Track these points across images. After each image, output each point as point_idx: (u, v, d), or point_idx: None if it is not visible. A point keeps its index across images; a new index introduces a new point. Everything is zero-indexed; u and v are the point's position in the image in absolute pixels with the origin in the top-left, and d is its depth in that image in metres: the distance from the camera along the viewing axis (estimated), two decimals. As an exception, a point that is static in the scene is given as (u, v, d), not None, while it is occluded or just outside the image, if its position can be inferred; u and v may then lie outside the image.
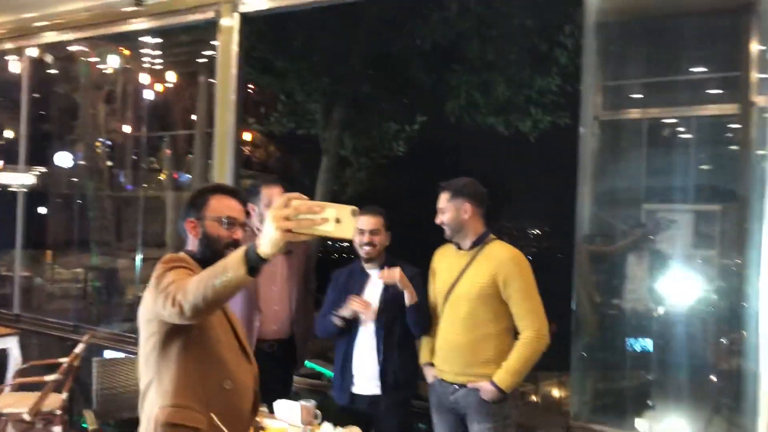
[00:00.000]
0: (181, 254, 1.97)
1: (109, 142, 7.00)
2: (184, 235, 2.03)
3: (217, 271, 1.59)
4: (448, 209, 2.89)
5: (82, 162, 6.78)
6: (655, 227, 3.74)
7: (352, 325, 3.05)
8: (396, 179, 9.30)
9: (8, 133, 6.23)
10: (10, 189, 6.40)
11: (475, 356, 2.82)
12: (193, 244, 2.01)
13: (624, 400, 3.54)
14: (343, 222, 1.49)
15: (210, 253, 1.88)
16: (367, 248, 3.08)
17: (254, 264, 1.54)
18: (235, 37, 4.21)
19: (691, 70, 3.57)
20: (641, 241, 3.70)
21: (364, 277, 3.14)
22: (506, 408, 2.83)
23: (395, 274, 2.96)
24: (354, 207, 1.51)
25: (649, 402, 3.59)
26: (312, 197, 1.55)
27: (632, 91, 3.75)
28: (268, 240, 1.50)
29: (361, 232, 3.08)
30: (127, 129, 6.71)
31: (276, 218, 1.48)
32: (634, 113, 3.69)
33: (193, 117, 6.71)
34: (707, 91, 3.62)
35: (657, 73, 3.63)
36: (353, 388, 3.08)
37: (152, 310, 1.79)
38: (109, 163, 6.94)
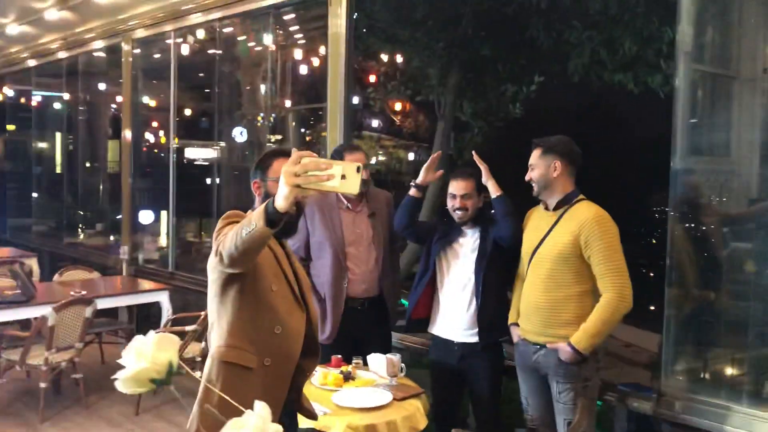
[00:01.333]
0: (248, 213, 2.13)
1: (268, 117, 7.35)
2: (252, 194, 2.22)
3: (244, 223, 1.77)
4: (537, 165, 2.89)
5: (248, 137, 7.25)
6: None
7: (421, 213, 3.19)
8: (513, 142, 9.13)
9: (187, 112, 6.73)
10: (195, 162, 6.94)
11: (555, 317, 2.82)
12: (258, 203, 2.20)
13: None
14: (348, 178, 1.56)
15: None
16: (459, 213, 3.14)
17: (272, 217, 1.68)
18: (344, 8, 4.27)
19: None
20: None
21: (459, 231, 3.22)
22: (586, 370, 2.80)
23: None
24: (359, 164, 1.59)
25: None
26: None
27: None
28: (280, 194, 1.63)
29: (453, 196, 3.12)
30: (284, 103, 7.04)
31: (286, 174, 1.60)
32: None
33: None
34: None
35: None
36: (450, 336, 3.20)
37: (212, 260, 1.99)
38: (277, 137, 7.28)
